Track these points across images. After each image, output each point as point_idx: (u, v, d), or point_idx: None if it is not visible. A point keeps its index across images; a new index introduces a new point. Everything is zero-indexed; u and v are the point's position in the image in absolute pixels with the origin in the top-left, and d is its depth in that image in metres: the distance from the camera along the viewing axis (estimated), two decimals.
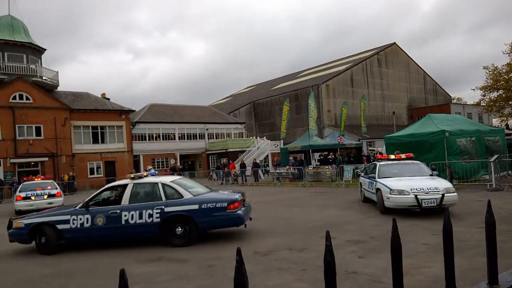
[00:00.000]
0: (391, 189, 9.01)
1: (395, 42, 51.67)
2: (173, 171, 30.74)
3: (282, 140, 33.40)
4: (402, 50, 52.23)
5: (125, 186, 8.10)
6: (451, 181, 14.36)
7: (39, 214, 8.25)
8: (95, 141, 31.86)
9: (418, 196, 8.57)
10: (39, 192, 16.02)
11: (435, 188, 8.73)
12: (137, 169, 32.07)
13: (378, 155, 13.34)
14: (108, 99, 35.96)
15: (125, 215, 7.58)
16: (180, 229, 7.52)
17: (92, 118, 31.53)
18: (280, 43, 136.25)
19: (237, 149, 35.85)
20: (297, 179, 21.09)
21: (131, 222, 7.56)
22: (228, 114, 46.36)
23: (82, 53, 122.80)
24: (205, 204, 7.58)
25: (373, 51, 50.31)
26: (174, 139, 37.28)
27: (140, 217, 7.57)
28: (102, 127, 32.20)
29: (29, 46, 30.09)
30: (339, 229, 7.97)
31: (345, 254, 6.07)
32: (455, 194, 8.77)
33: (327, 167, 20.58)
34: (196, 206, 7.55)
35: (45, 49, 31.76)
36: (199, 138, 39.01)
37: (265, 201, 14.33)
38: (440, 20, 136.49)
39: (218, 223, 7.69)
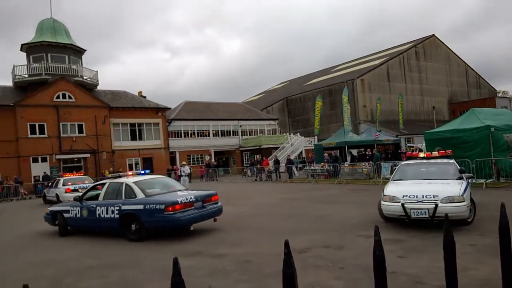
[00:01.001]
0: (383, 195, 7.85)
1: (433, 34, 49.60)
2: (208, 167, 31.27)
3: (316, 136, 33.04)
4: (442, 42, 50.06)
5: (103, 184, 9.49)
6: (497, 179, 13.63)
7: (59, 204, 10.41)
8: (133, 138, 32.88)
9: (405, 205, 7.22)
10: (82, 185, 17.66)
11: (434, 195, 7.15)
12: (173, 165, 32.89)
13: (407, 152, 11.82)
14: (145, 97, 36.98)
15: (99, 210, 8.75)
16: (134, 226, 8.20)
17: (130, 116, 32.56)
18: (316, 37, 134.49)
19: (271, 146, 35.83)
20: (332, 176, 20.75)
21: (102, 216, 8.68)
22: (261, 111, 46.38)
23: (122, 53, 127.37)
24: (148, 205, 8.00)
25: (411, 44, 48.58)
26: (209, 135, 37.81)
27: (107, 212, 8.61)
28: (139, 124, 33.19)
29: (71, 47, 31.45)
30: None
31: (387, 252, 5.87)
32: (459, 204, 6.99)
33: (363, 164, 20.10)
34: (141, 206, 8.08)
35: (85, 50, 33.09)
36: (233, 135, 39.32)
37: (300, 198, 14.21)
38: (483, 11, 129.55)
39: (158, 224, 7.97)
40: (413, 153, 10.31)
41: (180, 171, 21.43)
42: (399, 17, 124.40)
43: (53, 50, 30.43)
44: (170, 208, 7.77)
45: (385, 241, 6.59)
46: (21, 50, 31.12)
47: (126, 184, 8.69)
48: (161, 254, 6.85)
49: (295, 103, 49.61)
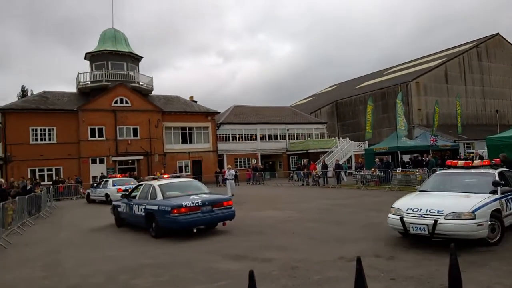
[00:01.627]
0: (391, 207, 7.39)
1: (498, 33, 46.27)
2: (255, 170, 31.49)
3: (367, 141, 32.05)
4: (507, 41, 46.54)
5: (140, 185, 10.77)
6: None
7: (118, 199, 11.81)
8: (184, 141, 33.98)
9: (404, 219, 6.70)
10: (129, 186, 18.66)
11: (439, 210, 6.48)
12: (221, 168, 33.52)
13: (447, 161, 10.29)
14: (196, 101, 38.09)
15: (134, 207, 10.05)
16: (153, 224, 9.08)
17: (181, 120, 33.70)
18: (370, 39, 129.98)
19: (318, 150, 35.33)
20: (383, 182, 19.98)
21: (136, 212, 9.92)
22: (310, 114, 45.92)
23: (178, 59, 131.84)
24: (161, 206, 8.84)
25: (472, 44, 45.65)
26: (256, 139, 38.07)
27: (138, 209, 9.79)
28: (190, 128, 34.24)
29: (129, 55, 33.23)
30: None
31: (439, 266, 5.53)
32: (466, 222, 6.21)
33: (417, 170, 19.17)
34: (156, 207, 9.00)
35: (142, 57, 34.78)
36: (280, 139, 39.28)
37: (349, 204, 13.84)
38: None
39: (167, 224, 8.68)
40: (453, 161, 9.21)
41: (226, 174, 21.41)
42: (461, 15, 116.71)
43: (113, 58, 32.32)
44: (175, 211, 8.48)
45: (442, 252, 6.23)
46: (85, 58, 33.41)
47: (153, 186, 9.76)
48: (210, 256, 6.98)
49: (345, 107, 48.55)
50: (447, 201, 6.89)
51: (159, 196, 9.27)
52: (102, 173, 28.31)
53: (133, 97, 31.36)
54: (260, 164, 35.03)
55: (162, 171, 29.77)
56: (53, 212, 17.07)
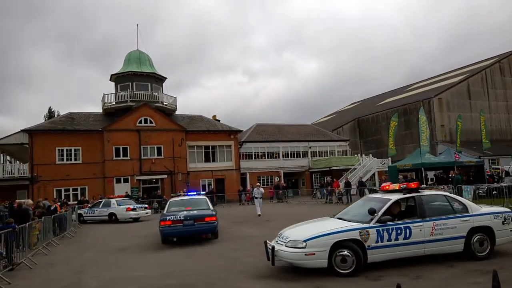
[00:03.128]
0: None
1: None
2: (277, 188, 31.39)
3: (390, 158, 31.57)
4: None
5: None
6: None
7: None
8: (207, 159, 34.34)
9: (267, 242, 6.95)
10: (137, 205, 22.03)
11: (287, 237, 6.73)
12: (244, 186, 33.62)
13: (382, 185, 8.53)
14: (219, 120, 38.64)
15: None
16: None
17: (205, 139, 34.17)
18: (396, 56, 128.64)
19: (341, 167, 34.97)
20: None
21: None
22: (332, 132, 45.69)
23: (205, 77, 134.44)
24: (160, 218, 11.38)
25: (494, 59, 44.84)
26: (278, 157, 38.06)
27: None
28: (213, 147, 34.65)
29: (153, 76, 34.22)
30: (459, 256, 7.09)
31: (467, 285, 5.40)
32: (296, 251, 6.32)
33: (442, 187, 18.70)
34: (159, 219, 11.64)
35: (166, 78, 35.74)
36: (302, 156, 39.13)
37: None
38: None
39: (160, 233, 11.10)
40: (384, 185, 8.34)
41: (254, 192, 21.05)
42: (486, 32, 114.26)
43: (137, 79, 33.34)
44: (162, 223, 10.77)
45: (471, 272, 6.09)
46: (110, 79, 34.62)
47: (168, 202, 12.53)
48: (234, 276, 7.00)
49: (367, 124, 48.11)
50: (307, 229, 6.93)
51: (165, 210, 11.86)
52: (126, 192, 28.84)
53: (157, 117, 32.10)
54: (282, 182, 34.92)
55: (185, 189, 30.17)
56: (77, 231, 17.40)
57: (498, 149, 33.87)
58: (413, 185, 7.46)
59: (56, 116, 52.59)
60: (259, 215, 18.03)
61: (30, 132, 28.57)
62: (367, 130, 47.80)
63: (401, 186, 7.58)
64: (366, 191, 24.34)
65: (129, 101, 32.23)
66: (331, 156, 38.78)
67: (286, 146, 38.63)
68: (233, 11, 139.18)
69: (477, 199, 16.85)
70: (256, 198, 19.23)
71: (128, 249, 11.02)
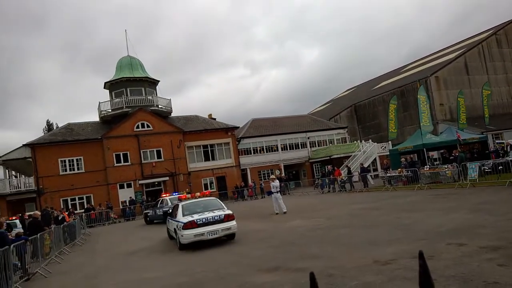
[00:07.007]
0: None
1: None
2: (279, 181, 31.25)
3: (390, 142, 31.50)
4: None
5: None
6: None
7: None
8: (207, 158, 34.32)
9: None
10: None
11: None
12: (246, 182, 33.57)
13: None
14: (215, 119, 38.53)
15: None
16: None
17: (202, 138, 34.11)
18: (400, 35, 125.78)
19: (342, 155, 34.93)
20: (411, 181, 19.50)
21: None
22: (329, 120, 45.58)
23: (206, 76, 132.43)
24: None
25: (490, 32, 44.46)
26: (277, 150, 38.00)
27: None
28: (211, 145, 34.60)
29: (146, 80, 34.08)
30: (469, 234, 7.07)
31: (480, 262, 5.32)
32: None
33: (446, 166, 18.63)
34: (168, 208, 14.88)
35: (159, 81, 35.59)
36: (301, 147, 39.06)
37: (378, 207, 13.56)
38: None
39: None
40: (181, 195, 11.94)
41: (271, 186, 16.92)
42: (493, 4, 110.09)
43: (130, 84, 33.23)
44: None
45: (482, 248, 6.02)
46: (104, 87, 34.47)
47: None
48: (243, 270, 6.97)
49: (364, 109, 47.97)
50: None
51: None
52: (130, 197, 28.84)
53: (154, 120, 32.02)
54: (283, 174, 34.86)
55: (187, 189, 30.14)
56: (87, 239, 17.50)
57: (500, 123, 33.75)
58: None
59: (55, 128, 52.50)
60: (283, 212, 15.65)
61: (32, 146, 28.71)
62: (365, 115, 47.66)
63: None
64: (369, 177, 24.30)
65: (124, 107, 32.15)
66: (330, 145, 38.74)
67: (284, 139, 38.54)
68: (233, 4, 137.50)
69: (483, 176, 16.76)
70: (272, 193, 16.70)
71: (138, 252, 11.04)
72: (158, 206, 20.16)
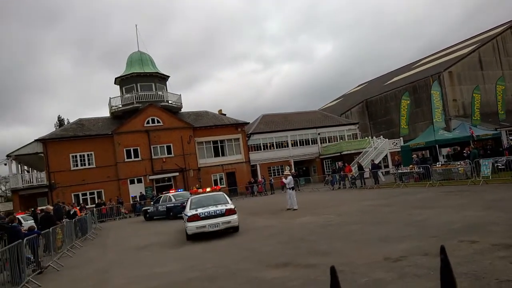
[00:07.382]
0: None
1: None
2: None
3: (401, 138, 31.16)
4: None
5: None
6: None
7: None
8: (216, 154, 34.38)
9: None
10: None
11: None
12: (255, 178, 33.60)
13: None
14: (225, 114, 38.55)
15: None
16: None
17: (212, 134, 34.16)
18: (414, 29, 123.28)
19: (352, 151, 34.66)
20: (423, 178, 19.26)
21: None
22: (340, 116, 45.23)
23: (219, 70, 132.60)
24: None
25: (504, 26, 43.50)
26: (287, 146, 37.85)
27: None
28: (221, 141, 34.63)
29: (156, 75, 34.22)
30: (482, 232, 6.96)
31: (493, 259, 5.23)
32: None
33: (458, 163, 18.36)
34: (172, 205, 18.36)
35: (169, 76, 35.74)
36: (312, 143, 38.86)
37: (389, 203, 13.43)
38: None
39: None
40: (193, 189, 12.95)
41: (285, 181, 16.55)
42: None
43: (141, 79, 33.39)
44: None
45: (495, 246, 5.92)
46: (115, 83, 34.74)
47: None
48: (253, 266, 6.97)
49: (375, 105, 47.46)
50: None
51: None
52: (141, 192, 29.08)
53: (164, 116, 32.16)
54: (293, 170, 34.75)
55: (197, 185, 30.28)
56: (98, 233, 17.74)
57: None
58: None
59: (66, 123, 53.16)
60: (293, 209, 15.43)
61: (44, 141, 29.08)
62: (376, 111, 47.17)
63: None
64: (380, 173, 24.05)
65: (135, 102, 32.34)
66: (341, 141, 38.43)
67: (295, 135, 38.36)
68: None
69: (496, 172, 16.48)
70: (288, 188, 16.16)
71: (149, 247, 11.14)
72: (160, 202, 20.60)
